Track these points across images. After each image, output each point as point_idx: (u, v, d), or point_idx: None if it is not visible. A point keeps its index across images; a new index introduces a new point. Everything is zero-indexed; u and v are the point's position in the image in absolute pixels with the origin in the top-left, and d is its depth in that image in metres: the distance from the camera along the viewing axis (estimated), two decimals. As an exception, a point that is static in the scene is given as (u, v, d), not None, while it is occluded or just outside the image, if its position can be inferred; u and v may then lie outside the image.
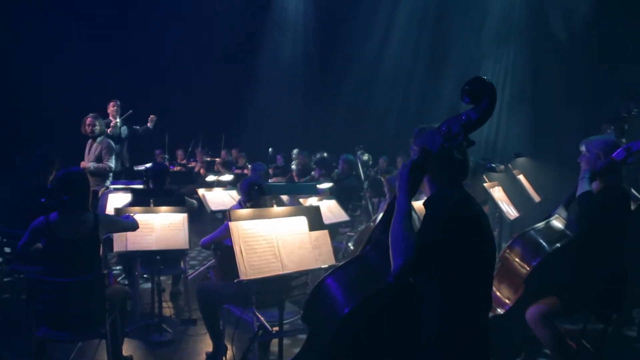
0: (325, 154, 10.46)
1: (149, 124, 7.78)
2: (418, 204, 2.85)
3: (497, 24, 10.98)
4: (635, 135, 3.87)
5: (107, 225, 3.42)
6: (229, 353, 3.73)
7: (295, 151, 11.60)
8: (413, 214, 1.86)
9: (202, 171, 10.69)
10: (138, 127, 8.18)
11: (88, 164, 6.04)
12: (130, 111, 7.74)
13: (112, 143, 6.26)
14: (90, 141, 6.17)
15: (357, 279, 1.87)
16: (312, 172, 8.00)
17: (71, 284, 3.02)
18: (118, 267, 5.65)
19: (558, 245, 3.11)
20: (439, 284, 1.80)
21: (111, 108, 7.51)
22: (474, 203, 1.90)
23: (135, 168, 8.24)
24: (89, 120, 6.07)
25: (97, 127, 6.09)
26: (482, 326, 1.88)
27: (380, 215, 2.48)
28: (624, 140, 4.48)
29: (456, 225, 1.78)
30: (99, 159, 6.06)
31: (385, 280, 1.76)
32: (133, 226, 3.71)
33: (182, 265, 4.84)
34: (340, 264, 1.97)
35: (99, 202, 5.26)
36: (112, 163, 6.11)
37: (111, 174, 6.22)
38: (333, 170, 7.38)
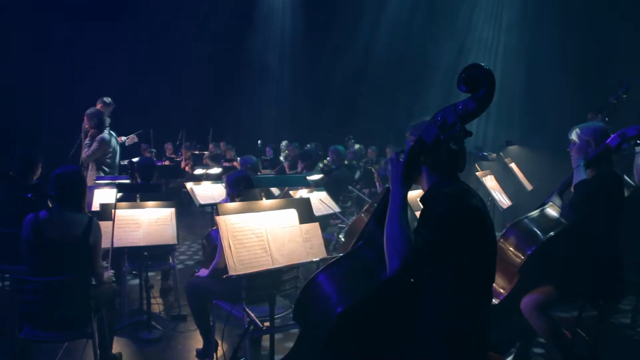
0: (313, 144, 10.37)
1: (127, 141, 7.39)
2: (411, 196, 2.77)
3: (489, 11, 10.92)
4: (623, 121, 3.83)
5: (95, 234, 3.23)
6: (220, 349, 3.66)
7: (284, 143, 11.49)
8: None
9: (187, 168, 10.51)
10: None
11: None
12: (140, 131, 7.47)
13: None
14: None
15: (350, 276, 1.80)
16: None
17: (55, 283, 2.93)
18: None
19: (552, 233, 3.05)
20: (445, 280, 1.73)
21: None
22: (474, 195, 1.82)
23: (121, 162, 8.06)
24: None
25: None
26: (485, 320, 1.83)
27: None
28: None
29: (459, 223, 1.70)
30: None
31: (379, 278, 1.69)
32: (102, 268, 3.35)
33: (170, 260, 4.76)
34: (332, 260, 1.89)
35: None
36: None
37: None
38: (319, 160, 7.26)
